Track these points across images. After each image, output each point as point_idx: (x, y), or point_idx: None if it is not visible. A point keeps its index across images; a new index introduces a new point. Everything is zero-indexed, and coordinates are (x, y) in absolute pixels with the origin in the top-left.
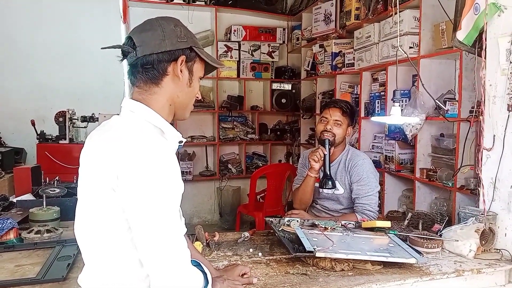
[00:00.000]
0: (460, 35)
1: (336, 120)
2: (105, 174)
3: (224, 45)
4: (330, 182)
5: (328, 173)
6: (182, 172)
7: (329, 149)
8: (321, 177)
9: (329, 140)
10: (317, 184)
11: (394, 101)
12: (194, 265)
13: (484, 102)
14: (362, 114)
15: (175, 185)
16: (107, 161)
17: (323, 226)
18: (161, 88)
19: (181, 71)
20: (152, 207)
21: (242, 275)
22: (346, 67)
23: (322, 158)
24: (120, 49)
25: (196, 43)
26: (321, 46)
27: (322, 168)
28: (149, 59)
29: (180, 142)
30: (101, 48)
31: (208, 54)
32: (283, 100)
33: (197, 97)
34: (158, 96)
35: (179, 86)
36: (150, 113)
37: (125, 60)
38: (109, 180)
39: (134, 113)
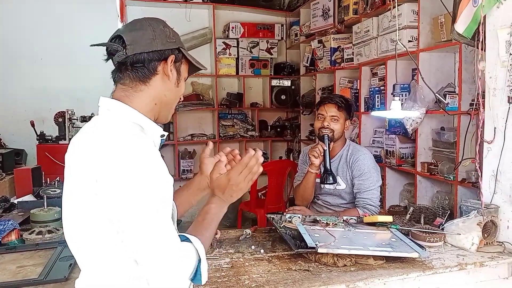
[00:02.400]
0: (459, 27)
1: (332, 116)
2: (84, 178)
3: (223, 42)
4: (331, 177)
5: (329, 168)
6: (183, 171)
7: (329, 144)
8: (321, 173)
9: (328, 135)
10: (318, 180)
11: (394, 95)
12: (183, 240)
13: (484, 94)
14: (362, 109)
15: (157, 179)
16: (85, 164)
17: (325, 222)
18: (148, 87)
19: (170, 70)
20: (136, 205)
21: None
22: (345, 62)
23: (322, 154)
24: (108, 47)
25: (182, 44)
26: (320, 41)
27: (323, 163)
28: (139, 57)
29: (162, 136)
30: (90, 45)
31: (191, 55)
32: (283, 97)
33: (180, 99)
34: (143, 93)
35: (167, 86)
36: (127, 110)
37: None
38: (89, 183)
39: (110, 111)
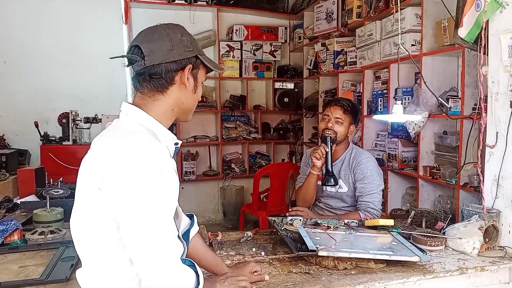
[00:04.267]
0: (462, 32)
1: (337, 118)
2: (92, 175)
3: (226, 44)
4: (332, 179)
5: (330, 170)
6: (186, 172)
7: (331, 146)
8: (323, 175)
9: (330, 137)
10: (319, 182)
11: (396, 99)
12: (188, 265)
13: (487, 99)
14: (365, 112)
15: (163, 184)
16: (96, 163)
17: (326, 225)
18: (165, 96)
19: (187, 79)
20: (138, 207)
21: (254, 272)
22: (349, 65)
23: (324, 156)
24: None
25: (200, 50)
26: (323, 44)
27: (324, 165)
28: (157, 69)
29: (176, 144)
30: (110, 58)
31: (209, 58)
32: (286, 99)
33: (199, 100)
34: (160, 102)
35: (184, 93)
36: (144, 117)
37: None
38: (96, 180)
39: (128, 116)
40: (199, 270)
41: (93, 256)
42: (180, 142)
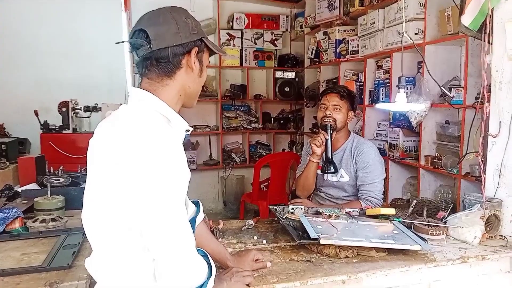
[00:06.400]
0: (466, 20)
1: (335, 105)
2: (110, 162)
3: (227, 33)
4: (332, 167)
5: (330, 157)
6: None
7: (331, 134)
8: (323, 162)
9: (330, 125)
10: (320, 172)
11: (399, 88)
12: (201, 255)
13: (490, 88)
14: (367, 102)
15: (179, 172)
16: (113, 149)
17: (327, 214)
18: (173, 80)
19: (194, 62)
20: (156, 195)
21: (256, 260)
22: (350, 54)
23: (324, 143)
24: (129, 42)
25: (204, 33)
26: (325, 33)
27: (324, 153)
28: (164, 53)
29: (187, 131)
30: (116, 43)
31: (211, 41)
32: (287, 89)
33: (203, 84)
34: (169, 87)
35: (191, 77)
36: (158, 102)
37: (127, 50)
38: (114, 167)
39: (142, 102)
40: (212, 261)
41: (108, 244)
42: (191, 129)
